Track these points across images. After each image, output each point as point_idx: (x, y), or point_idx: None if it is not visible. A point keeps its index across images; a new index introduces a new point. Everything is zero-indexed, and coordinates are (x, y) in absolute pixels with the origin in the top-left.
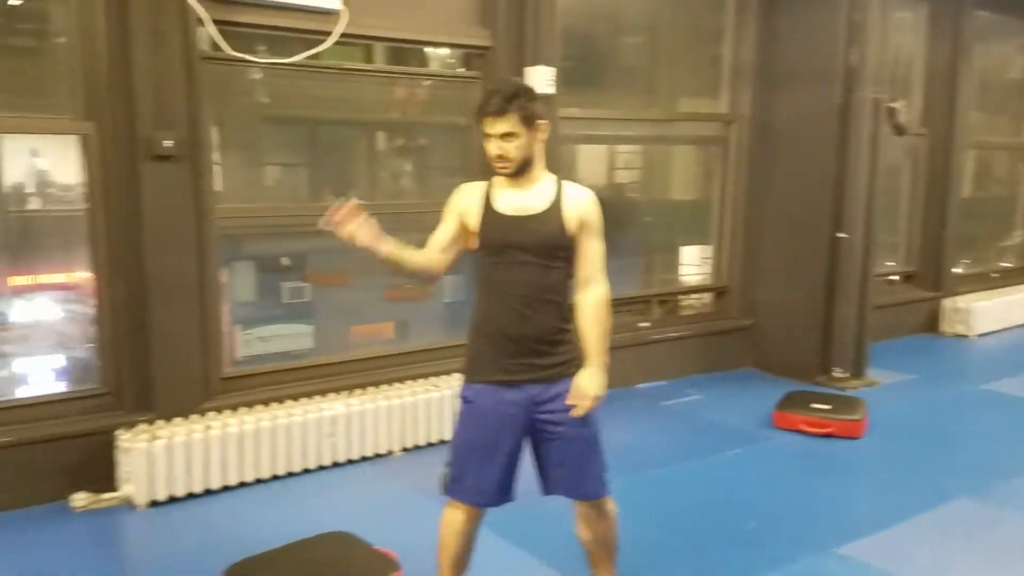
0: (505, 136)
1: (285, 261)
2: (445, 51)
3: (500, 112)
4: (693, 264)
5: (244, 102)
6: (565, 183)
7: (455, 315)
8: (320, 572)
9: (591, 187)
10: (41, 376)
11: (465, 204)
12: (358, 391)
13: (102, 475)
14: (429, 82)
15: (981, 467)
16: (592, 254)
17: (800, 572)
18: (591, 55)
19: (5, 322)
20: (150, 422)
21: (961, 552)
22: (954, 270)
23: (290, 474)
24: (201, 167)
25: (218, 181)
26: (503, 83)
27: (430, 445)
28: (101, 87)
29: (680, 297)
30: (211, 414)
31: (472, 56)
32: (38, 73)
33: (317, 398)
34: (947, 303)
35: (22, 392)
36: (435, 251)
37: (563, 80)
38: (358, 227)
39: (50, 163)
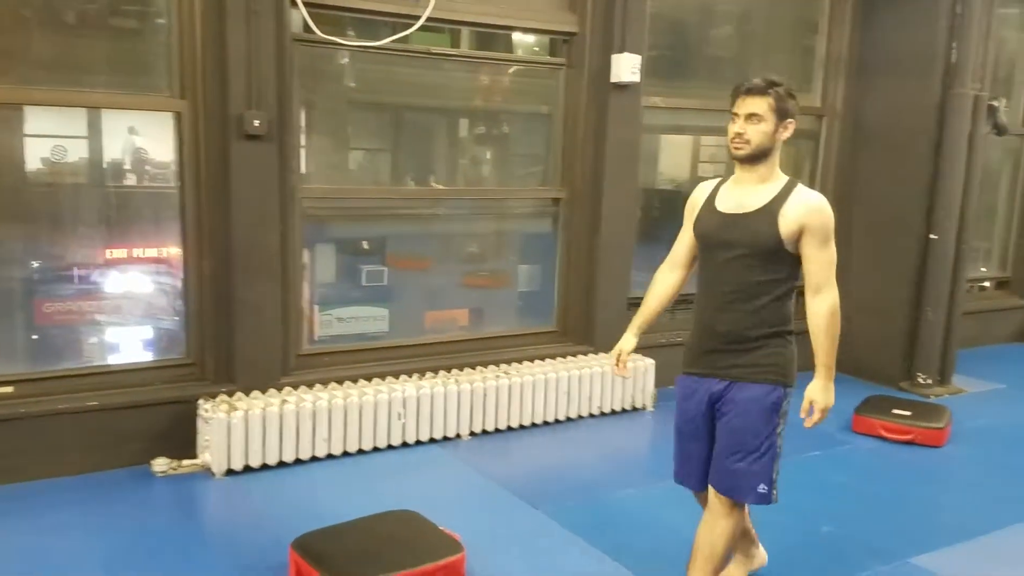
0: (751, 117)
1: (365, 244)
2: (531, 39)
3: (757, 92)
4: None
5: (332, 85)
6: (797, 187)
7: (529, 304)
8: (385, 548)
9: (672, 179)
10: (131, 345)
11: (694, 202)
12: (429, 374)
13: (183, 442)
14: (514, 69)
15: None
16: (819, 262)
17: None
18: (680, 44)
19: (100, 292)
20: (230, 394)
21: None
22: None
23: (361, 452)
24: (288, 148)
25: (304, 163)
26: (768, 74)
27: (498, 431)
28: (196, 66)
29: None
30: (288, 389)
31: (558, 42)
32: (138, 53)
33: (390, 379)
34: None
35: (113, 359)
36: (677, 267)
37: (650, 69)
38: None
39: (147, 141)
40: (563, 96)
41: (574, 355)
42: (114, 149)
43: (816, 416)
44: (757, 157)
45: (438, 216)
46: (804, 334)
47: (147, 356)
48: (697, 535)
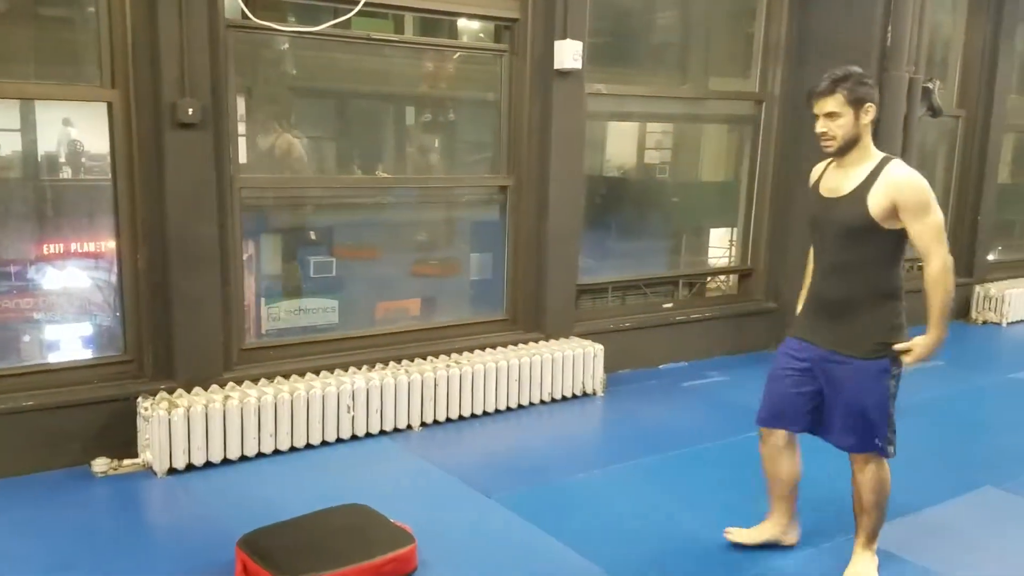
0: (829, 115)
1: (312, 235)
2: (476, 25)
3: (826, 92)
4: (722, 246)
5: (273, 72)
6: (888, 166)
7: (479, 292)
8: (334, 543)
9: (620, 166)
10: (67, 342)
11: (809, 185)
12: (379, 365)
13: (123, 441)
14: (458, 55)
15: (1008, 456)
16: (919, 232)
17: (819, 554)
18: (622, 31)
19: (36, 288)
20: (170, 390)
21: (984, 542)
22: (988, 257)
23: (309, 446)
24: (225, 136)
25: (245, 152)
26: (837, 68)
27: (449, 421)
28: (127, 55)
29: (708, 279)
30: (231, 384)
31: (501, 29)
32: (67, 42)
33: (339, 372)
34: (979, 290)
35: (49, 357)
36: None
37: (593, 56)
38: None
39: (82, 133)
40: (507, 83)
41: (525, 342)
42: (49, 142)
43: (912, 356)
44: (846, 148)
45: (386, 205)
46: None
47: (85, 354)
48: (854, 494)
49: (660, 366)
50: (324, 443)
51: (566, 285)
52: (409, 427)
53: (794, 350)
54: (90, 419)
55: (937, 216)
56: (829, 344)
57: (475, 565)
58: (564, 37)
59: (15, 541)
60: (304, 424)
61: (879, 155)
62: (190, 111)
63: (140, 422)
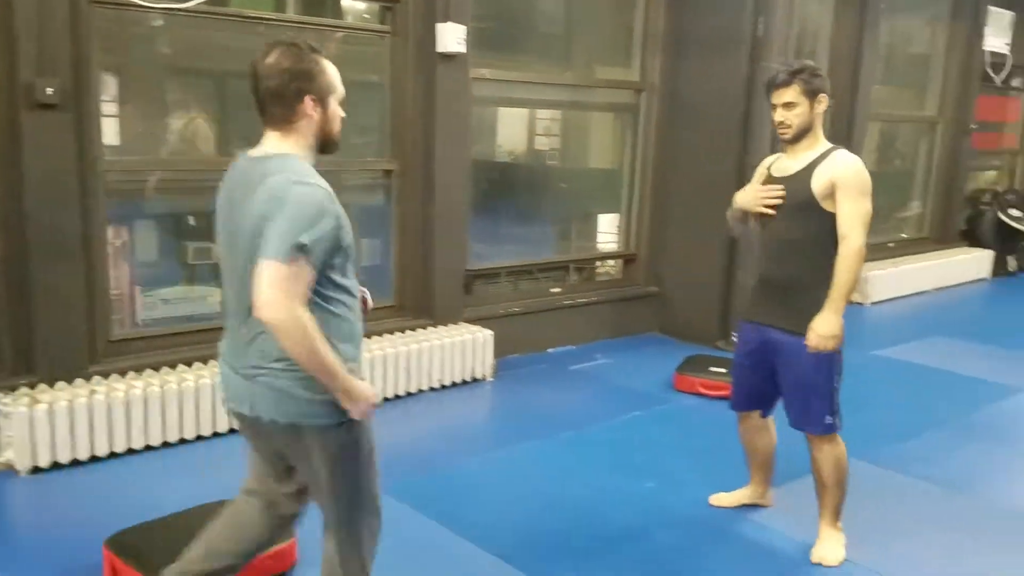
0: (787, 105)
1: (192, 220)
2: (362, 5)
3: (784, 83)
4: (609, 232)
5: (145, 51)
6: (835, 152)
7: (367, 279)
8: None
9: (510, 152)
10: None
11: (759, 172)
12: None
13: None
14: (341, 36)
15: (872, 431)
16: (845, 214)
17: (693, 529)
18: (507, 16)
19: None
20: (32, 385)
21: (852, 512)
22: None
23: (183, 441)
24: (88, 117)
25: (115, 134)
26: (794, 61)
27: None
28: None
29: (597, 264)
30: (97, 378)
31: (383, 10)
32: None
33: (213, 363)
34: None
35: None
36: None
37: (478, 41)
38: None
39: None
40: (390, 65)
41: (413, 329)
42: None
43: (813, 340)
44: (799, 136)
45: None
46: None
47: None
48: (815, 474)
49: (549, 350)
50: (199, 438)
51: (454, 270)
52: None
53: (745, 336)
54: None
55: (867, 204)
56: (777, 322)
57: None
58: (446, 20)
59: None
60: (177, 418)
61: (827, 144)
62: (48, 91)
63: (0, 419)
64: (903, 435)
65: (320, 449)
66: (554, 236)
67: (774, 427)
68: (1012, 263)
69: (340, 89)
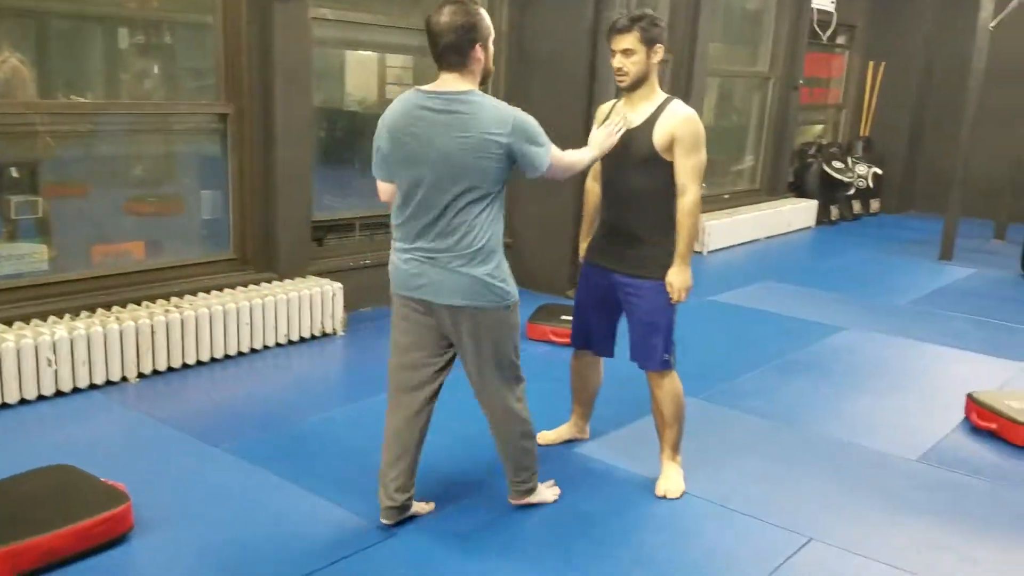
0: (625, 52)
1: (14, 172)
2: None
3: (624, 30)
4: None
5: None
6: (671, 103)
7: (206, 231)
8: (36, 508)
9: (360, 100)
10: None
11: (597, 120)
12: (85, 314)
13: None
14: None
15: (706, 370)
16: (683, 167)
17: (551, 472)
18: None
19: None
20: None
21: (689, 445)
22: None
23: (5, 405)
24: None
25: None
26: (636, 9)
27: (172, 370)
28: None
29: None
30: None
31: None
32: None
33: (36, 322)
34: None
35: None
36: (597, 178)
37: None
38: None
39: None
40: (222, 2)
41: (256, 283)
42: None
43: (674, 295)
44: (637, 84)
45: (97, 136)
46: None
47: None
48: (655, 412)
49: None
50: (23, 401)
51: (300, 222)
52: (124, 379)
53: (591, 277)
54: None
55: (702, 156)
56: (623, 267)
57: (201, 518)
58: None
59: None
60: None
61: (663, 95)
62: None
63: None
64: (734, 373)
65: (493, 325)
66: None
67: (602, 368)
68: (835, 212)
69: (492, 31)
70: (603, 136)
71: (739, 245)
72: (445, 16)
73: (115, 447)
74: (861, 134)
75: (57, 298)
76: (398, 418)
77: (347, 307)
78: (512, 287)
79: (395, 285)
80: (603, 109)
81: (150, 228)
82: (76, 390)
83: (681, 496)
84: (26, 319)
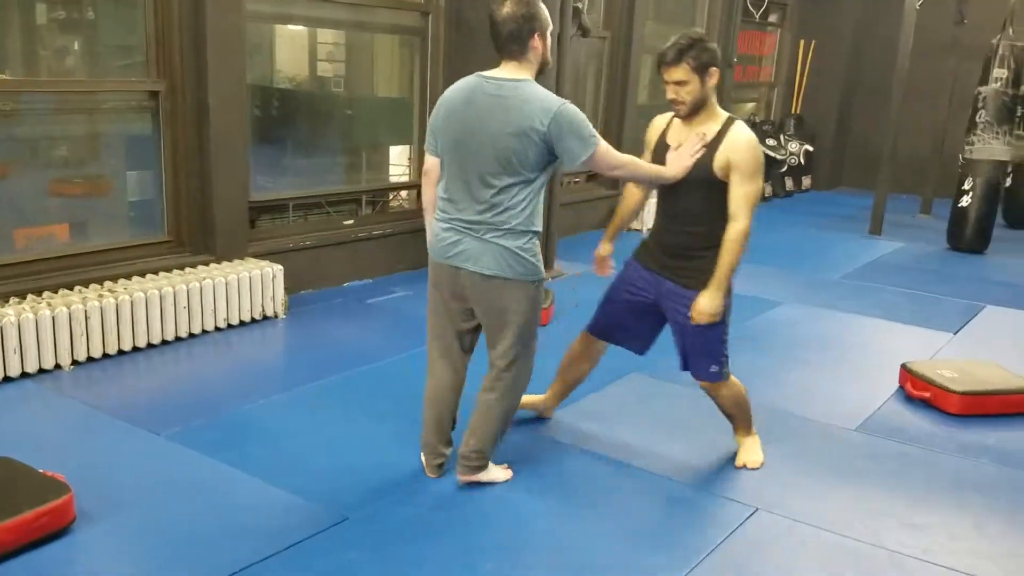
0: (678, 83)
1: None
2: None
3: (673, 62)
4: (400, 164)
5: None
6: (732, 127)
7: (139, 213)
8: None
9: (291, 78)
10: None
11: (651, 133)
12: (14, 300)
13: None
14: None
15: (654, 346)
16: (737, 193)
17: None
18: None
19: None
20: None
21: (631, 417)
22: None
23: None
24: None
25: None
26: (682, 36)
27: (108, 357)
28: None
29: (391, 196)
30: None
31: None
32: None
33: None
34: None
35: None
36: (633, 190)
37: None
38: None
39: None
40: None
41: (193, 266)
42: None
43: (695, 315)
44: (695, 111)
45: (20, 116)
46: None
47: None
48: (719, 408)
49: (344, 284)
50: None
51: (236, 202)
52: (58, 367)
53: (638, 278)
54: None
55: (759, 185)
56: (673, 276)
57: (145, 507)
58: None
59: None
60: None
61: (724, 115)
62: None
63: None
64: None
65: (519, 298)
66: (344, 167)
67: (597, 362)
68: (768, 189)
69: (551, 23)
70: (682, 160)
71: None
72: (507, 7)
73: (52, 437)
74: (793, 111)
75: None
76: (433, 380)
77: (288, 289)
78: (541, 265)
79: (432, 252)
80: (658, 123)
81: (77, 210)
82: (7, 379)
83: (761, 466)
84: None
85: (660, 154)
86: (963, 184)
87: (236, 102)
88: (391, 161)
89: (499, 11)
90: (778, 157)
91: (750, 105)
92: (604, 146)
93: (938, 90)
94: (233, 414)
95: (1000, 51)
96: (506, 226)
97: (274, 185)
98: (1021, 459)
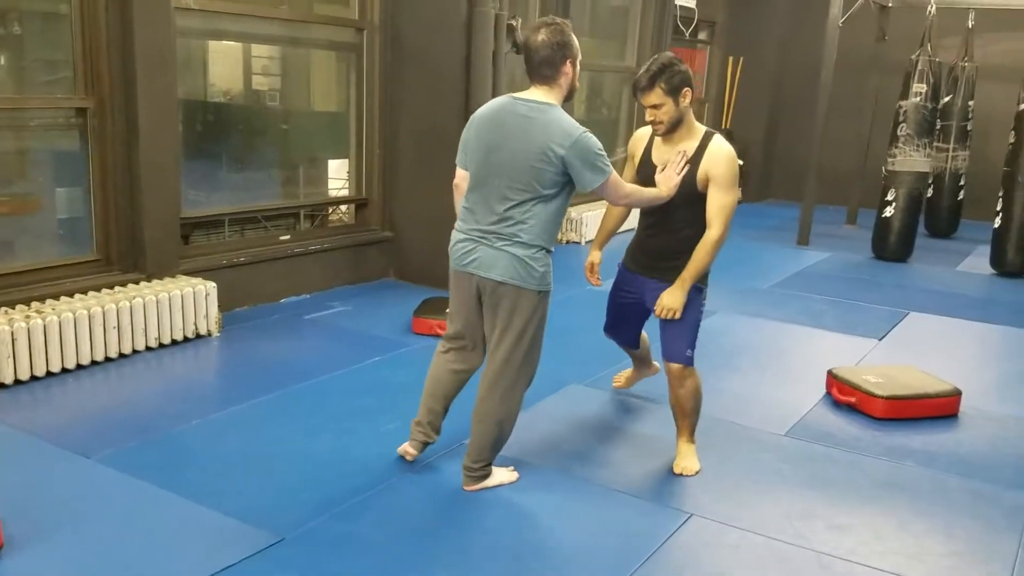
0: (654, 106)
1: None
2: None
3: (647, 88)
4: (339, 177)
5: None
6: (711, 141)
7: (65, 232)
8: None
9: (225, 92)
10: None
11: (634, 147)
12: None
13: None
14: None
15: (588, 356)
16: (714, 202)
17: (438, 466)
18: None
19: None
20: None
21: (570, 427)
22: None
23: None
24: None
25: None
26: (652, 61)
27: (35, 379)
28: None
29: (330, 210)
30: None
31: None
32: None
33: None
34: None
35: None
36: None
37: None
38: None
39: None
40: None
41: (122, 284)
42: None
43: (658, 308)
44: (673, 129)
45: None
46: None
47: None
48: (673, 404)
49: (281, 300)
50: None
51: (167, 219)
52: None
53: (628, 282)
54: None
55: (735, 195)
56: (656, 275)
57: (76, 533)
58: None
59: None
60: None
61: (702, 129)
62: None
63: None
64: (615, 359)
65: (528, 307)
66: (280, 182)
67: (645, 335)
68: None
69: (580, 53)
70: (671, 180)
71: (618, 234)
72: (542, 35)
73: None
74: (723, 126)
75: None
76: (437, 370)
77: (221, 307)
78: (550, 278)
79: (452, 260)
80: (640, 135)
81: (3, 229)
82: None
83: (696, 473)
84: None
85: (645, 170)
86: (886, 195)
87: (167, 118)
88: (330, 175)
89: (534, 38)
90: None
91: None
92: (615, 177)
93: (861, 105)
94: (166, 435)
95: (919, 66)
96: (516, 238)
97: (208, 200)
98: (944, 461)
